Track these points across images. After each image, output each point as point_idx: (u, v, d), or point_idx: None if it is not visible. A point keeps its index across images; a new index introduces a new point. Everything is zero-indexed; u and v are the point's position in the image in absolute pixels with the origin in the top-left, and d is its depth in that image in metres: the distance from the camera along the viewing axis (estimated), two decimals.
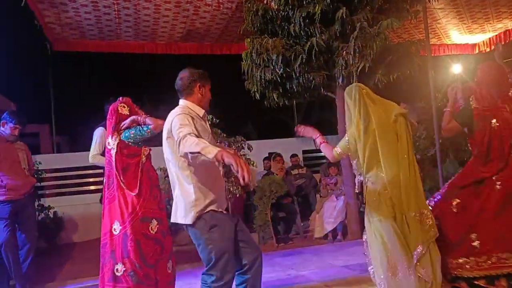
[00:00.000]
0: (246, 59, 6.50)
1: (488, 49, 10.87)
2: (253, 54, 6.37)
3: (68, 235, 8.14)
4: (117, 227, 3.53)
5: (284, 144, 9.78)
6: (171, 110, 2.93)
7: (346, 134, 3.36)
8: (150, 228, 3.54)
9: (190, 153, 2.57)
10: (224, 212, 2.90)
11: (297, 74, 6.31)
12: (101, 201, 6.14)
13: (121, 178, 3.58)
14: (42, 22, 7.79)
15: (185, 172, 2.80)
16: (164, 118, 3.16)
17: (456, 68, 10.28)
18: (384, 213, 3.13)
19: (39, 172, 6.88)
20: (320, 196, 7.36)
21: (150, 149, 3.83)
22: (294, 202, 7.33)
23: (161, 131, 3.02)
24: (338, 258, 5.39)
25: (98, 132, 5.08)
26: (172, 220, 2.91)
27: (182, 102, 2.98)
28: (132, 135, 3.67)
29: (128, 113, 3.76)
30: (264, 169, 8.25)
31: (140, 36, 9.01)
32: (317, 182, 8.57)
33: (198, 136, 2.64)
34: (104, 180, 3.76)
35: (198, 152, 2.51)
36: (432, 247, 3.14)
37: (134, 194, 3.54)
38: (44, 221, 7.48)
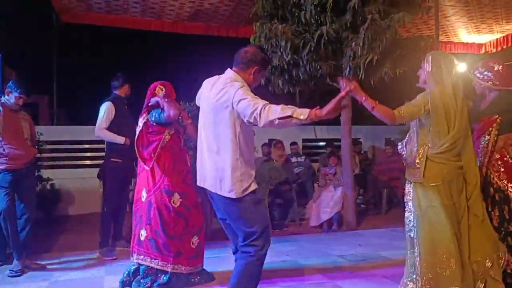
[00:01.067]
0: (254, 44, 6.45)
1: (494, 50, 10.85)
2: (261, 39, 6.32)
3: (64, 208, 8.18)
4: (144, 194, 3.71)
5: (284, 131, 9.76)
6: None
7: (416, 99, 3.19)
8: (172, 201, 3.65)
9: (279, 119, 2.58)
10: None
11: (305, 62, 6.27)
12: (98, 176, 6.16)
13: (139, 154, 3.73)
14: None
15: (236, 146, 2.80)
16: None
17: (462, 67, 10.24)
18: (443, 198, 3.06)
19: (40, 143, 6.85)
20: (318, 186, 7.39)
21: (176, 129, 3.88)
22: (292, 189, 7.35)
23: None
24: (333, 248, 5.43)
25: (105, 106, 5.08)
26: (215, 191, 2.89)
27: (232, 73, 2.94)
28: (153, 118, 3.74)
29: (162, 96, 3.79)
30: (263, 155, 8.26)
31: (148, 13, 8.93)
32: (315, 171, 8.61)
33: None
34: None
35: (289, 116, 2.56)
36: None
37: (147, 168, 3.67)
38: (42, 192, 7.49)
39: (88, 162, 8.76)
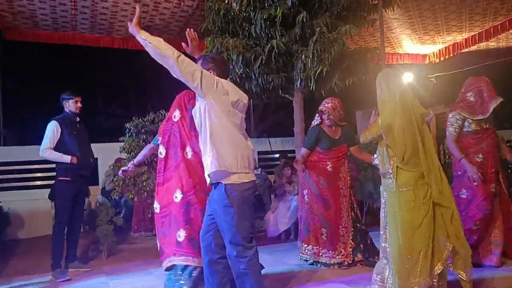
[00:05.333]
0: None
1: (437, 60, 11.37)
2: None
3: (13, 231, 7.84)
4: (179, 195, 3.54)
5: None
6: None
7: (373, 120, 3.60)
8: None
9: None
10: None
11: (256, 75, 6.37)
12: (49, 197, 5.98)
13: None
14: None
15: None
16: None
17: (408, 77, 10.66)
18: (415, 201, 3.25)
19: None
20: (275, 196, 7.44)
21: None
22: None
23: None
24: (291, 257, 5.47)
25: (50, 126, 4.94)
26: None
27: None
28: None
29: None
30: None
31: (97, 30, 8.83)
32: (271, 183, 8.67)
33: None
34: (164, 151, 3.68)
35: None
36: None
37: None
38: None
39: (38, 183, 8.50)
